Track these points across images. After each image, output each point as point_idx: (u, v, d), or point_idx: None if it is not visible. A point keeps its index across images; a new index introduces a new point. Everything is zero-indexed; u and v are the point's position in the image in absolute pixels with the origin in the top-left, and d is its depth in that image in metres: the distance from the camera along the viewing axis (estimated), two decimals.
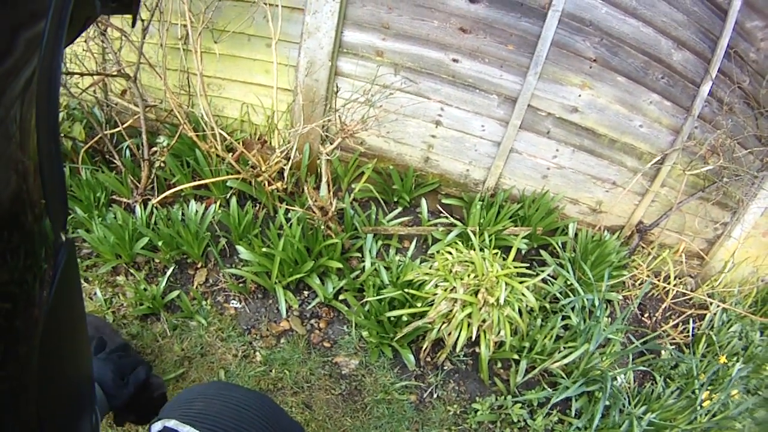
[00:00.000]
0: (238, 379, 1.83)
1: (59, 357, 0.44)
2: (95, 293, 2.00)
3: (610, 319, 2.22)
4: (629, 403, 1.93)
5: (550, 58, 2.08)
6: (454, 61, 2.11)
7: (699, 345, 2.33)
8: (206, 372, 1.84)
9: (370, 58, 2.16)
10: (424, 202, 2.31)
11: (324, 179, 1.91)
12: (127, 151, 2.35)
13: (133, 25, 0.73)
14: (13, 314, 0.34)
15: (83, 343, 0.55)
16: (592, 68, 2.13)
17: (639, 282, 2.46)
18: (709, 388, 2.06)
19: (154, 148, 2.17)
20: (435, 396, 1.91)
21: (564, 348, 1.96)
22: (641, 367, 2.12)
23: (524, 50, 2.07)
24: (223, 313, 1.97)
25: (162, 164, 2.18)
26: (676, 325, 2.43)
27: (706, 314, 2.50)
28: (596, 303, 2.07)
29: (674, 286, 2.45)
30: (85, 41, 2.33)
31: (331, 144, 1.88)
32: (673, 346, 2.38)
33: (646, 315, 2.47)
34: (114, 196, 2.25)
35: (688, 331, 2.41)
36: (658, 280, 2.48)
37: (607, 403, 1.85)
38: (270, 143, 2.27)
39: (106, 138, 2.29)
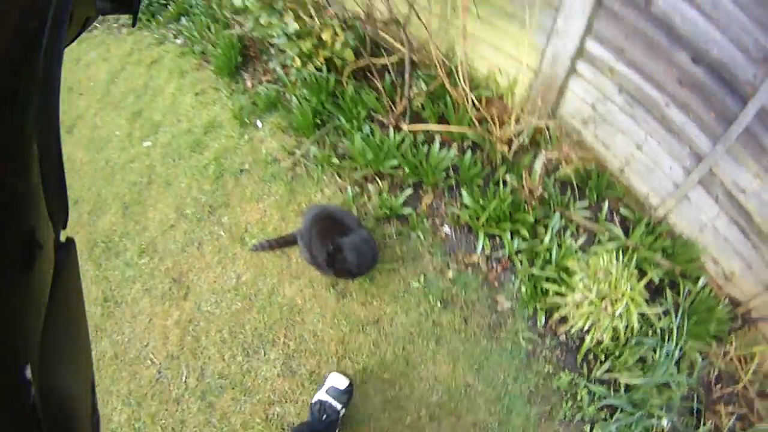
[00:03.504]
0: (431, 285, 2.50)
1: (58, 378, 0.43)
2: (346, 188, 2.68)
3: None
4: None
5: (739, 140, 2.30)
6: (666, 105, 2.44)
7: None
8: (410, 273, 2.53)
9: (602, 72, 2.52)
10: (606, 204, 2.72)
11: (540, 161, 2.44)
12: (387, 77, 2.89)
13: (134, 24, 0.73)
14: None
15: (84, 350, 0.53)
16: None
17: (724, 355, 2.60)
18: None
19: (414, 88, 2.72)
20: (542, 355, 2.47)
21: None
22: None
23: (722, 122, 2.32)
24: (436, 233, 2.61)
25: (419, 102, 2.73)
26: None
27: None
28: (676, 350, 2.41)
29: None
30: None
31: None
32: None
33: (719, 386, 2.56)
34: (371, 113, 2.83)
35: None
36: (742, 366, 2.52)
37: None
38: (509, 106, 2.70)
39: (371, 63, 2.84)
